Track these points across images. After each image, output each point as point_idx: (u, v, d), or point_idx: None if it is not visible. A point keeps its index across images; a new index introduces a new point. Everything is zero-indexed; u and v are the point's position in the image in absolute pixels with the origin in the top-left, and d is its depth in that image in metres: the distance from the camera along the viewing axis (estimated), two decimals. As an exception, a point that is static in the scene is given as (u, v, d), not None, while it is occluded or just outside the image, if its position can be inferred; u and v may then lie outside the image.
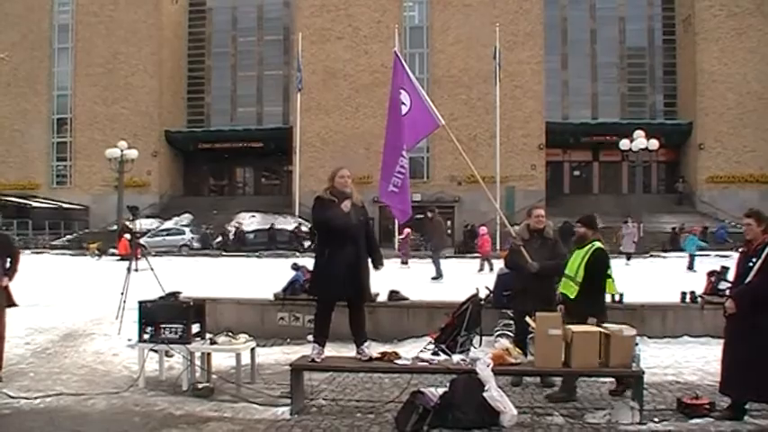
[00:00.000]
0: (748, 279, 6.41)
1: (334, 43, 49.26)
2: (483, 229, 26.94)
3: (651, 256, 33.55)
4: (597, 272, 7.35)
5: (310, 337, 7.60)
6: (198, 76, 57.43)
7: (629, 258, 28.03)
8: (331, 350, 7.32)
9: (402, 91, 8.05)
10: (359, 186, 7.34)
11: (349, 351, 7.33)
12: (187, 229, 43.41)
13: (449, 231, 46.72)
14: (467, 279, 17.53)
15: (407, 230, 31.30)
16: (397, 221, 39.84)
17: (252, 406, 6.98)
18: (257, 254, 36.89)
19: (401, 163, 7.84)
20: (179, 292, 8.53)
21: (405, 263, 27.94)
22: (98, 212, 50.57)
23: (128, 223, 28.83)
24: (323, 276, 7.07)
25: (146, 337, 7.88)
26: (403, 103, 8.00)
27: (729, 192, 44.57)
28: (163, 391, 7.60)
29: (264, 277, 16.87)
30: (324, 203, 6.97)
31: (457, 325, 7.79)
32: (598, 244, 7.43)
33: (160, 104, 52.67)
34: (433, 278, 19.92)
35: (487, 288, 9.97)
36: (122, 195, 39.92)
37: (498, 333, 9.33)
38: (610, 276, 7.55)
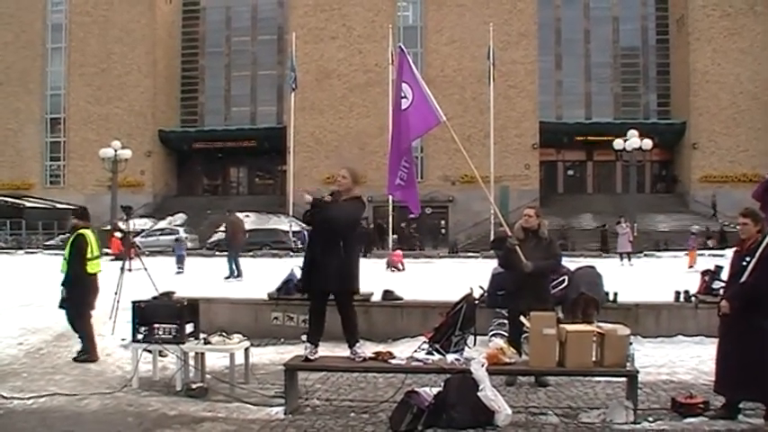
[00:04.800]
0: (743, 279, 6.41)
1: (328, 43, 49.27)
2: None
3: (645, 255, 33.59)
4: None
5: (304, 337, 7.59)
6: (192, 75, 57.39)
7: (628, 258, 28.02)
8: (325, 350, 7.30)
9: (405, 84, 8.08)
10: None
11: (343, 351, 7.31)
12: (181, 229, 43.22)
13: (371, 229, 46.39)
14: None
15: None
16: (392, 218, 40.26)
17: (246, 406, 6.95)
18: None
19: (406, 156, 7.91)
20: (173, 292, 8.51)
21: None
22: (92, 212, 48.94)
23: (120, 223, 28.75)
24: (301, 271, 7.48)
25: (139, 337, 7.84)
26: (405, 97, 8.03)
27: (723, 191, 44.59)
28: (156, 392, 7.56)
29: (259, 277, 16.84)
30: None
31: (451, 324, 7.76)
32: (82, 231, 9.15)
33: (154, 104, 52.62)
34: (226, 278, 19.74)
35: (482, 287, 9.96)
36: (116, 195, 39.83)
37: (493, 333, 9.31)
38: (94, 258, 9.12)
